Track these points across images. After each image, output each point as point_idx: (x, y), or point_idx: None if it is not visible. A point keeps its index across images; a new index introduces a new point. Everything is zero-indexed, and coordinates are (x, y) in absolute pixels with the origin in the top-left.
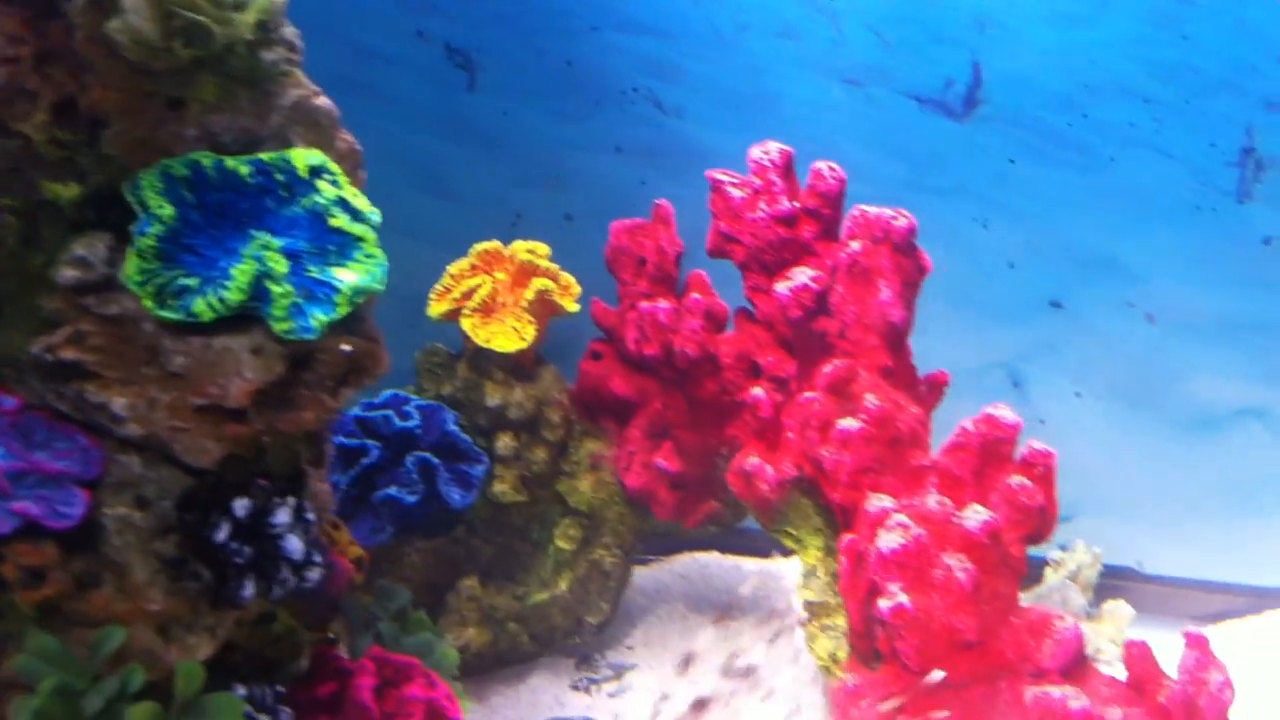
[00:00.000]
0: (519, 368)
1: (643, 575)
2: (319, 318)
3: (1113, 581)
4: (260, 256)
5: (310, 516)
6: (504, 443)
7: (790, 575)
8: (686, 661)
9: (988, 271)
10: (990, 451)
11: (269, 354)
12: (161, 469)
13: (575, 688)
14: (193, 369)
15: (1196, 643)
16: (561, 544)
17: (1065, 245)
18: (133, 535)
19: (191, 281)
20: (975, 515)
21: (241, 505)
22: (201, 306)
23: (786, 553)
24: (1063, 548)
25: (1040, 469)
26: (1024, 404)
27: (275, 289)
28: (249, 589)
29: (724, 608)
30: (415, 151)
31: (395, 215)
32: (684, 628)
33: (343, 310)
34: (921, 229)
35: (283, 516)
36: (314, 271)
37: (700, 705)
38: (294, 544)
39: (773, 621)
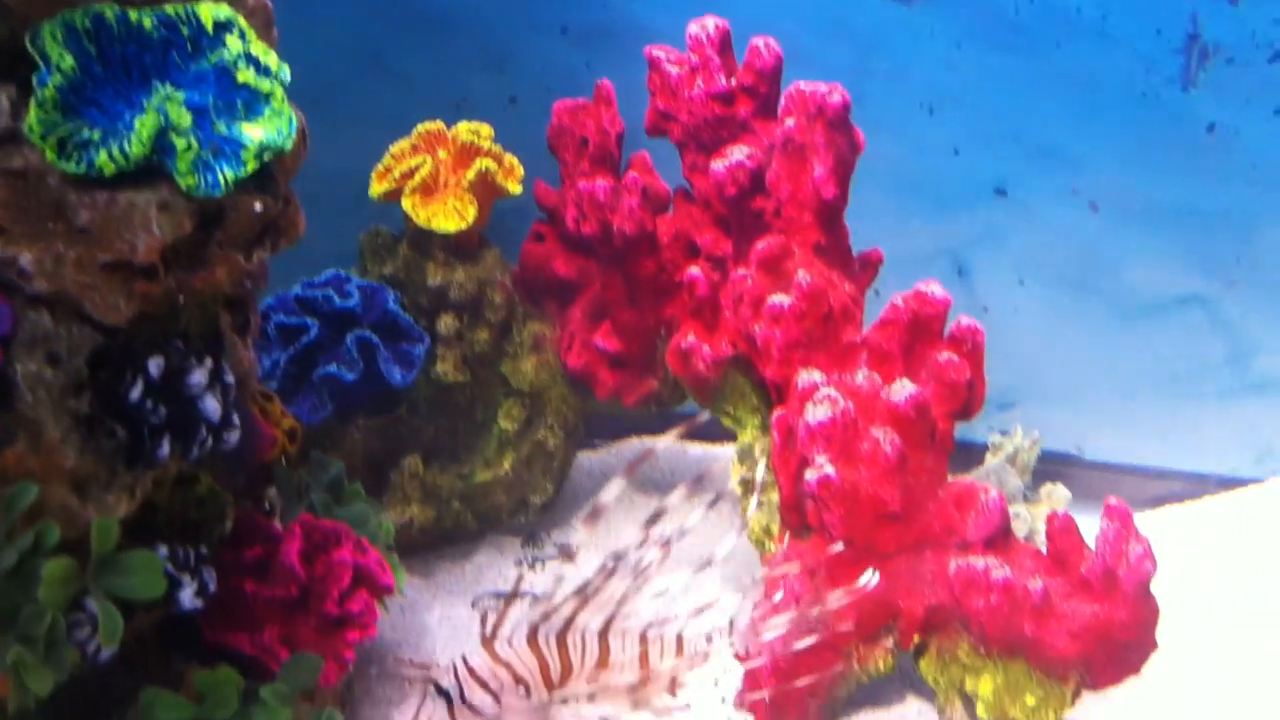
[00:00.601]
0: (461, 249)
1: (590, 459)
2: (226, 174)
3: (1052, 467)
4: (163, 109)
5: (229, 379)
6: (446, 323)
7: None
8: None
9: (933, 159)
10: (919, 328)
11: (177, 210)
12: (73, 326)
13: (520, 564)
14: (99, 224)
15: (1116, 514)
16: (505, 424)
17: (1010, 132)
18: (45, 392)
19: (94, 134)
20: (902, 389)
21: (155, 364)
22: (104, 159)
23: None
24: (1003, 433)
25: (968, 345)
26: (968, 291)
27: (179, 143)
28: (165, 449)
29: (668, 489)
30: (359, 34)
31: (340, 98)
32: (630, 508)
33: (250, 167)
34: (866, 115)
35: (198, 377)
36: (221, 127)
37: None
38: (210, 405)
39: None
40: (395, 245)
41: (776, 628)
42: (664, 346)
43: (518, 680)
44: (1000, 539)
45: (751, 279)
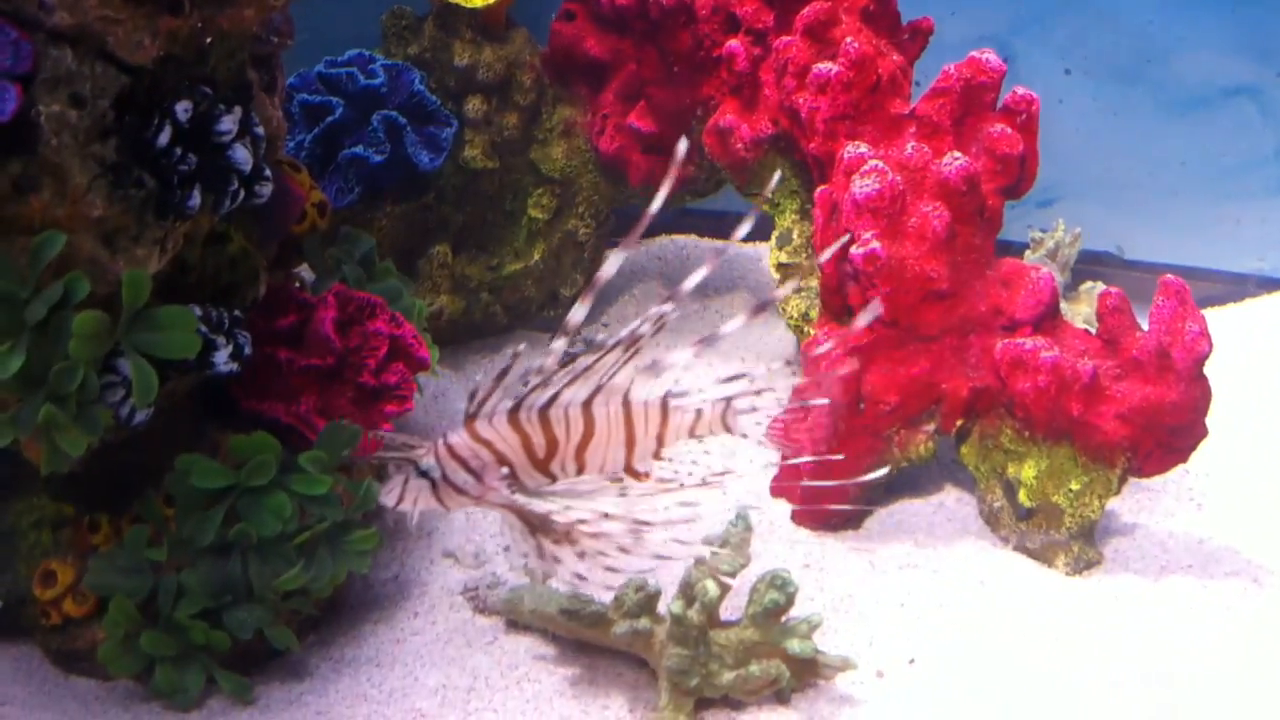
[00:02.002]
0: (488, 27)
1: (618, 255)
2: None
3: (1092, 267)
4: None
5: (259, 131)
6: (473, 106)
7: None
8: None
9: None
10: (972, 98)
11: None
12: (97, 65)
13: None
14: None
15: (1172, 290)
16: (534, 213)
17: None
18: (70, 136)
19: None
20: (953, 161)
21: (183, 108)
22: None
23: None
24: (1043, 230)
25: (1023, 116)
26: (1011, 81)
27: None
28: (195, 199)
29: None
30: None
31: None
32: (652, 300)
33: None
34: None
35: (227, 124)
36: None
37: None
38: (241, 154)
39: (750, 298)
40: (419, 25)
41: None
42: (700, 129)
43: (500, 459)
44: (1049, 320)
45: (796, 46)
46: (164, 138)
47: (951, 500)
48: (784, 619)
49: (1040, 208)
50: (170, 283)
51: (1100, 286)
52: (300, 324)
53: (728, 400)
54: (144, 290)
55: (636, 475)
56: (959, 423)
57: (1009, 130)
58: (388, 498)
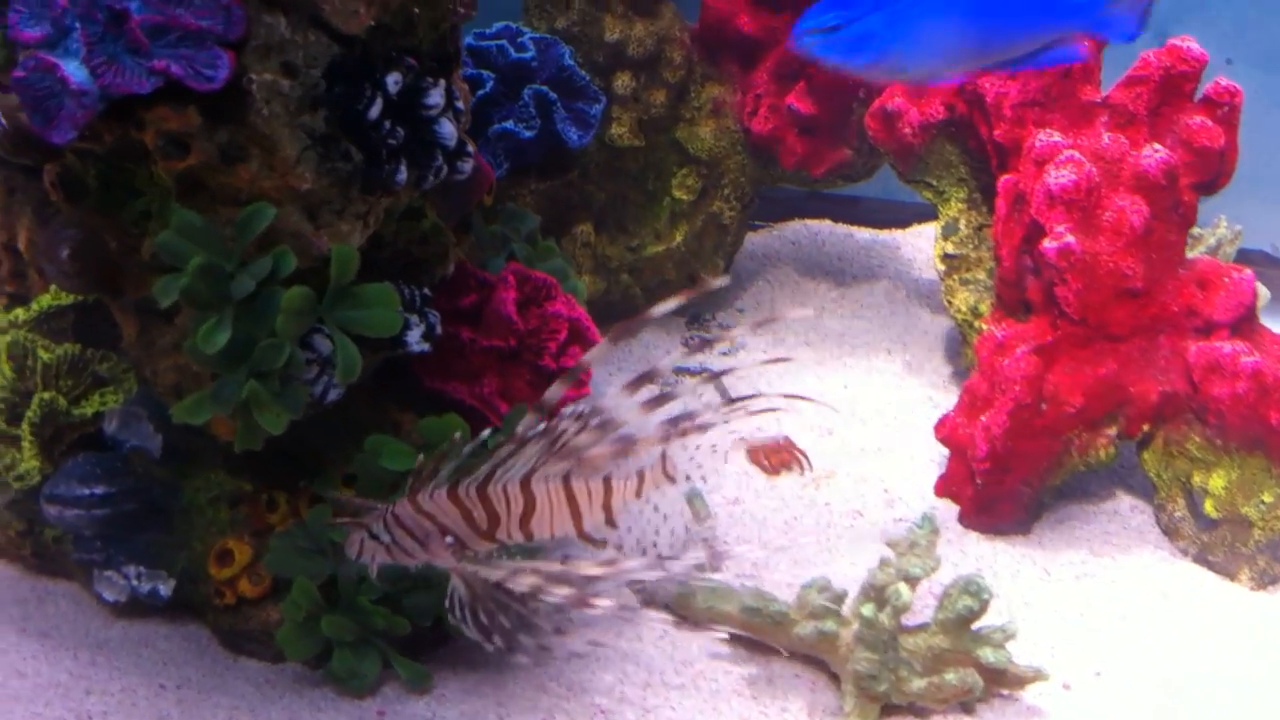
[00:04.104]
0: (639, 1)
1: (753, 240)
2: None
3: (1244, 265)
4: None
5: (460, 105)
6: (622, 82)
7: (906, 245)
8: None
9: None
10: (1170, 87)
11: None
12: (309, 33)
13: (687, 345)
14: None
15: None
16: (679, 194)
17: None
18: (280, 106)
19: None
20: (1154, 153)
21: (394, 80)
22: None
23: (904, 223)
24: (1201, 225)
25: (1225, 109)
26: None
27: None
28: (403, 173)
29: (836, 274)
30: None
31: None
32: (797, 291)
33: None
34: None
35: (436, 98)
36: None
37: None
38: (448, 129)
39: (891, 289)
40: None
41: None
42: (861, 111)
43: (443, 530)
44: (1248, 323)
45: None
46: (375, 110)
47: (1125, 507)
48: (976, 626)
49: None
50: (365, 258)
51: (1261, 289)
52: (480, 303)
53: (664, 453)
54: (352, 266)
55: (592, 542)
56: (1145, 427)
57: (1209, 123)
58: (349, 550)
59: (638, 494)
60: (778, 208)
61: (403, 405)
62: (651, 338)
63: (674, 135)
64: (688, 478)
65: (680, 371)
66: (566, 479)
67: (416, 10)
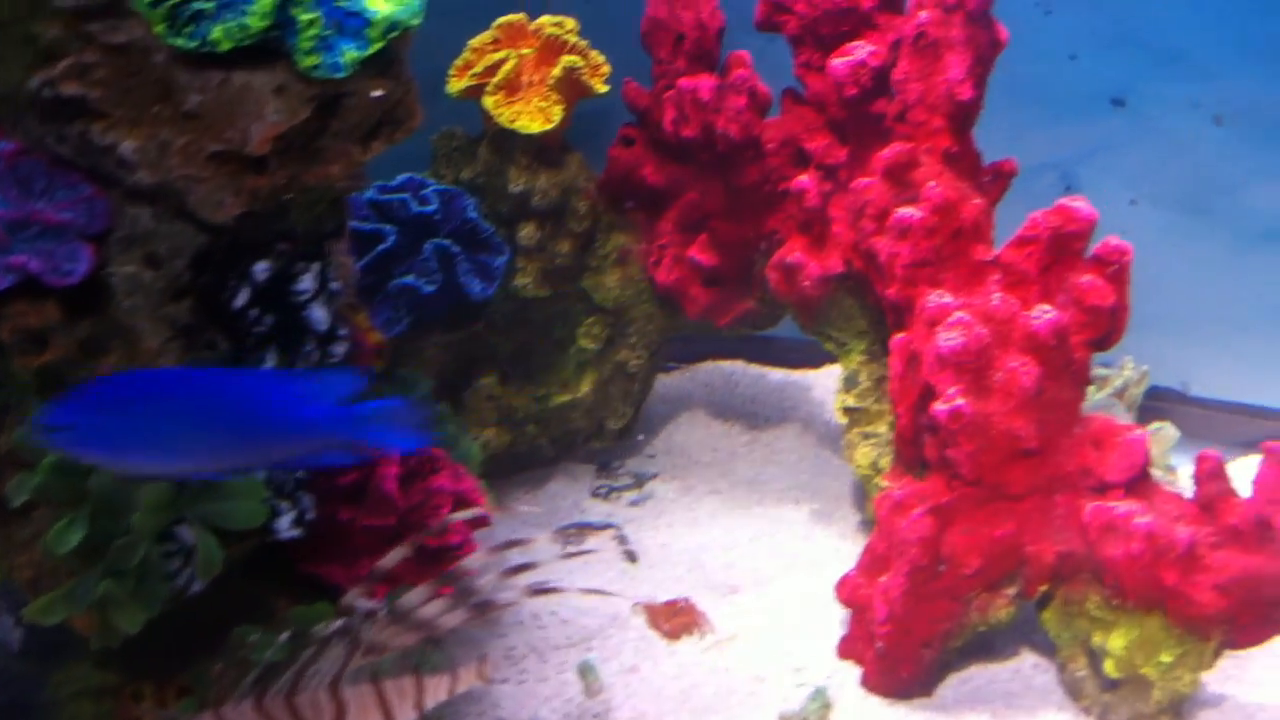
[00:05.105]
0: (544, 152)
1: (666, 383)
2: (349, 53)
3: (1155, 403)
4: None
5: (336, 286)
6: (527, 233)
7: (819, 386)
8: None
9: (1046, 63)
10: (1060, 246)
11: (294, 94)
12: (174, 224)
13: (595, 494)
14: (209, 108)
15: (1276, 457)
16: (585, 343)
17: (1131, 37)
18: (142, 298)
19: (208, 5)
20: (1043, 314)
21: (262, 268)
22: (219, 34)
23: (817, 363)
24: (1107, 365)
25: (1114, 267)
26: None
27: (302, 17)
28: (270, 361)
29: (749, 417)
30: None
31: None
32: (708, 435)
33: (375, 45)
34: None
35: (307, 283)
36: (345, 1)
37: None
38: (318, 314)
39: (802, 432)
40: (472, 148)
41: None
42: (763, 263)
43: None
44: (1141, 482)
45: (876, 189)
46: (241, 299)
47: (1029, 666)
48: None
49: None
50: None
51: (1169, 427)
52: (363, 480)
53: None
54: None
55: None
56: (1043, 587)
57: (1099, 281)
58: None
59: (449, 692)
60: (694, 347)
61: (279, 589)
62: (559, 487)
63: (580, 284)
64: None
65: (580, 528)
66: (377, 678)
67: (289, 195)
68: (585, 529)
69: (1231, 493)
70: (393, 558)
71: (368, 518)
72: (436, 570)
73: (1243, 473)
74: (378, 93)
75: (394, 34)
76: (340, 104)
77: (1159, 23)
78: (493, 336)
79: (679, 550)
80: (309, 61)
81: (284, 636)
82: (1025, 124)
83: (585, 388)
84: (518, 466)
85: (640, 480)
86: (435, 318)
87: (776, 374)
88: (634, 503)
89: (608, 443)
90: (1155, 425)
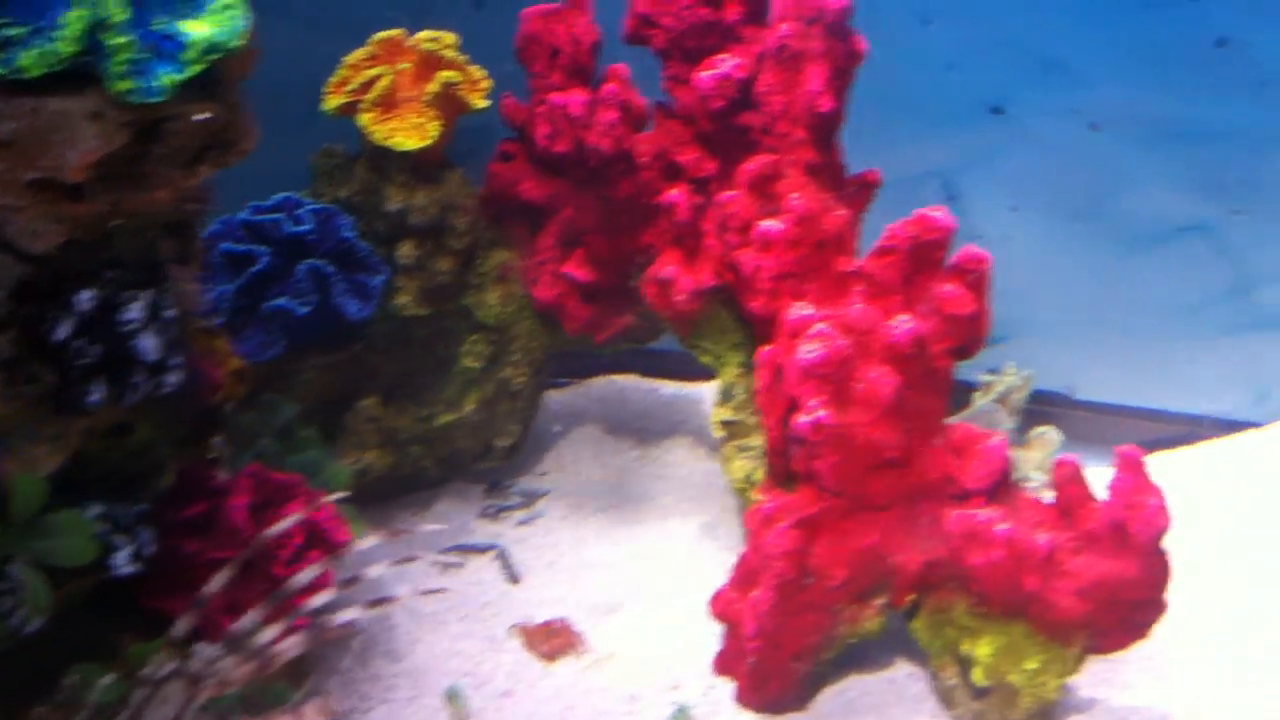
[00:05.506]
0: (422, 169)
1: (557, 399)
2: (165, 77)
3: (1042, 407)
4: (95, 1)
5: (169, 314)
6: (405, 251)
7: (710, 399)
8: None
9: (926, 73)
10: (920, 256)
11: (110, 120)
12: None
13: (483, 515)
14: (23, 136)
15: (1129, 462)
16: (468, 362)
17: (1010, 45)
18: None
19: (17, 31)
20: (901, 324)
21: (86, 298)
22: (28, 60)
23: (710, 376)
24: (992, 371)
25: (973, 275)
26: (959, 218)
27: (113, 41)
28: (96, 394)
29: (640, 432)
30: None
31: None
32: (599, 452)
33: (194, 69)
34: (857, 25)
35: (134, 312)
36: (160, 23)
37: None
38: (147, 343)
39: (693, 446)
40: (351, 166)
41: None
42: (641, 277)
43: None
44: (1003, 489)
45: (739, 201)
46: (63, 330)
47: (903, 675)
48: None
49: (990, 346)
50: (68, 477)
51: (1052, 431)
52: (211, 512)
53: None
54: (37, 499)
55: None
56: (910, 597)
57: (959, 289)
58: None
59: None
60: (587, 363)
61: (123, 625)
62: (447, 508)
63: (462, 302)
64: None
65: (461, 550)
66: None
67: (116, 222)
68: (466, 551)
69: (1090, 497)
70: (216, 583)
71: (215, 550)
72: (289, 603)
73: None
74: (202, 116)
75: (214, 56)
76: (162, 128)
77: (1035, 32)
78: (374, 357)
79: (564, 569)
80: (123, 86)
81: (109, 678)
82: (907, 133)
83: (470, 407)
84: (404, 489)
85: (530, 499)
86: (312, 340)
87: (669, 387)
88: (523, 522)
89: (497, 462)
90: (1039, 430)
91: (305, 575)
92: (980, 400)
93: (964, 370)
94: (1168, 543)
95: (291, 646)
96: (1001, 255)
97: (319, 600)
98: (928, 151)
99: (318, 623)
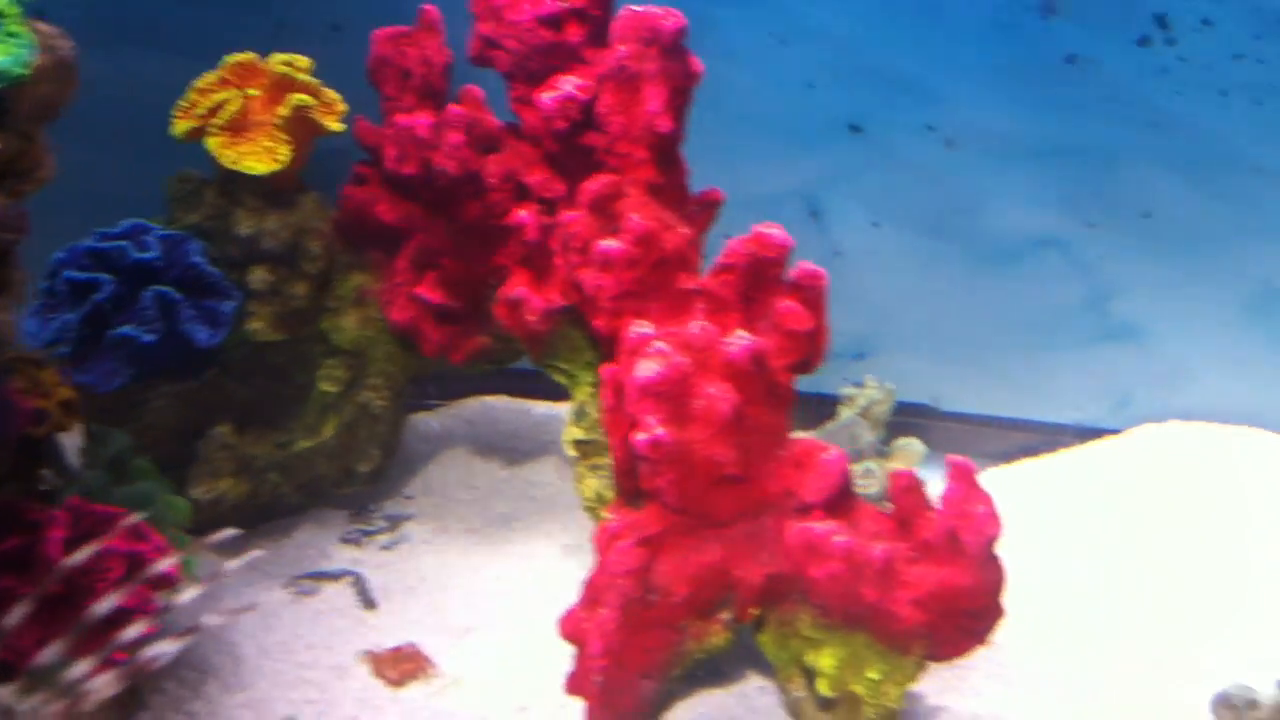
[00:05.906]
0: (275, 193)
1: (428, 421)
2: None
3: (908, 419)
4: None
5: None
6: (258, 276)
7: None
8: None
9: (785, 92)
10: (758, 273)
11: None
12: None
13: (345, 540)
14: None
15: (959, 471)
16: (325, 386)
17: (866, 65)
18: None
19: None
20: (738, 340)
21: None
22: None
23: None
24: (855, 384)
25: (810, 292)
26: (821, 234)
27: None
28: None
29: (509, 452)
30: None
31: (143, 23)
32: (467, 473)
33: None
34: (714, 45)
35: None
36: None
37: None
38: None
39: (561, 465)
40: (203, 191)
41: None
42: (494, 298)
43: None
44: (842, 501)
45: (581, 222)
46: None
47: (753, 689)
48: None
49: (855, 359)
50: None
51: (916, 443)
52: (28, 546)
53: None
54: None
55: None
56: (754, 611)
57: (797, 306)
58: None
59: None
60: (459, 385)
61: None
62: (307, 536)
63: (319, 327)
64: None
65: (316, 577)
66: None
67: None
68: (321, 578)
69: (927, 507)
70: (15, 615)
71: (30, 586)
72: (100, 638)
73: (992, 484)
74: None
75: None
76: None
77: (890, 51)
78: (228, 384)
79: (423, 593)
80: None
81: None
82: (768, 152)
83: (329, 432)
84: (262, 517)
85: (394, 523)
86: (161, 367)
87: (540, 408)
88: (386, 547)
89: (360, 486)
90: (902, 441)
91: (104, 605)
92: (844, 413)
93: (830, 384)
94: (1023, 548)
95: (107, 683)
96: (865, 270)
97: (131, 632)
98: (790, 169)
99: (134, 657)
